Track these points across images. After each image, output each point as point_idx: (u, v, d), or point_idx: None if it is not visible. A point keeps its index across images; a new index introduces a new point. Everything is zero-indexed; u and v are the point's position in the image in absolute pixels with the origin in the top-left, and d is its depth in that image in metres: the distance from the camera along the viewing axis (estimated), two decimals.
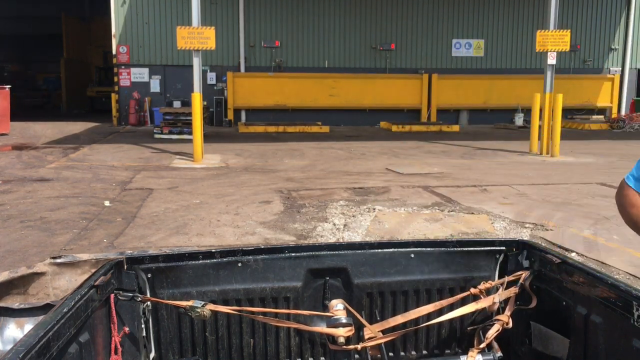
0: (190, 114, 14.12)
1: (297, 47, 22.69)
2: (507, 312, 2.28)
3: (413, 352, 2.51)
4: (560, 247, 6.04)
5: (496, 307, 2.29)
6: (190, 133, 13.80)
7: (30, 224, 7.20)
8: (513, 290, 2.30)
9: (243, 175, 10.93)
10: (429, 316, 2.39)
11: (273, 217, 7.55)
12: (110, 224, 7.25)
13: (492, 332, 2.22)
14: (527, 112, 18.74)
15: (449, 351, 2.53)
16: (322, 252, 2.39)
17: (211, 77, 22.10)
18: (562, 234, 6.71)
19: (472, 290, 2.32)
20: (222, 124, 21.77)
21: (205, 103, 17.53)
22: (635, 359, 1.68)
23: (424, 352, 2.53)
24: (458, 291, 2.44)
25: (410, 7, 23.17)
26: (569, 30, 15.03)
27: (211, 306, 2.12)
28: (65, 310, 1.72)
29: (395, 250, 2.44)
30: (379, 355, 2.20)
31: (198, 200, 8.58)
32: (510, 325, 2.26)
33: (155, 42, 21.69)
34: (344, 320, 2.15)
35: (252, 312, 2.29)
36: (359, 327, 2.30)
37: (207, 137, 14.99)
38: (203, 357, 2.37)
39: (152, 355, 2.33)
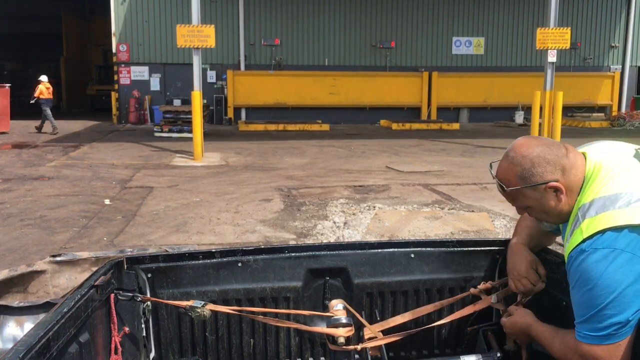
0: (190, 113, 14.12)
1: (297, 45, 22.67)
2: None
3: (413, 352, 2.51)
4: (560, 245, 6.03)
5: (497, 307, 2.29)
6: (190, 131, 13.80)
7: (30, 222, 7.21)
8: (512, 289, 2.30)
9: (243, 174, 10.93)
10: (429, 316, 2.39)
11: (273, 215, 7.55)
12: (110, 222, 7.25)
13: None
14: (528, 110, 18.73)
15: (449, 351, 2.53)
16: (322, 252, 2.39)
17: (211, 76, 22.09)
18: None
19: (472, 290, 2.32)
20: (222, 122, 21.77)
21: (205, 101, 17.52)
22: (636, 359, 1.67)
23: (424, 352, 2.53)
24: (458, 291, 2.44)
25: (411, 5, 23.15)
26: (569, 28, 15.02)
27: (211, 306, 2.12)
28: (65, 310, 1.72)
29: (396, 250, 2.44)
30: (379, 355, 2.20)
31: (198, 199, 8.58)
32: None
33: (155, 40, 21.68)
34: (344, 320, 2.15)
35: (252, 312, 2.29)
36: (359, 327, 2.30)
37: (207, 136, 15.00)
38: (203, 357, 2.37)
39: (152, 355, 2.33)
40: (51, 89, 18.77)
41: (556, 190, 1.76)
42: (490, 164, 2.00)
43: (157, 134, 17.60)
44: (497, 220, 7.23)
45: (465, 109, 23.50)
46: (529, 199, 1.83)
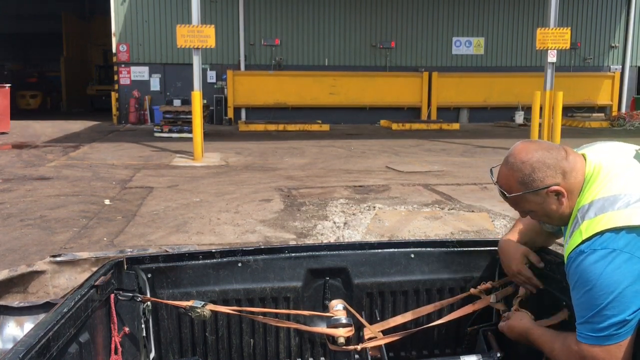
0: (190, 113, 14.11)
1: (297, 45, 22.67)
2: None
3: (413, 352, 2.52)
4: (561, 245, 6.03)
5: (497, 307, 2.29)
6: (191, 131, 13.79)
7: (30, 222, 7.21)
8: (512, 290, 2.30)
9: (243, 174, 10.92)
10: (429, 316, 2.39)
11: (273, 215, 7.55)
12: (110, 222, 7.25)
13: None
14: (528, 110, 18.73)
15: (449, 351, 2.54)
16: (322, 252, 2.39)
17: (211, 76, 22.08)
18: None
19: (472, 290, 2.32)
20: (222, 123, 21.76)
21: (205, 101, 17.52)
22: (635, 359, 1.68)
23: (424, 352, 2.53)
24: (458, 291, 2.44)
25: (411, 5, 23.14)
26: (569, 28, 15.01)
27: (211, 306, 2.12)
28: (65, 310, 1.72)
29: (396, 250, 2.44)
30: (378, 356, 2.20)
31: (198, 199, 8.58)
32: None
33: (155, 40, 21.68)
34: (344, 321, 2.16)
35: (252, 312, 2.29)
36: (359, 328, 2.30)
37: (207, 136, 14.99)
38: (203, 357, 2.38)
39: (152, 355, 2.33)
40: None
41: (557, 194, 1.77)
42: (491, 169, 2.00)
43: (157, 134, 17.59)
44: (497, 220, 7.23)
45: (465, 109, 23.50)
46: (531, 204, 1.83)
